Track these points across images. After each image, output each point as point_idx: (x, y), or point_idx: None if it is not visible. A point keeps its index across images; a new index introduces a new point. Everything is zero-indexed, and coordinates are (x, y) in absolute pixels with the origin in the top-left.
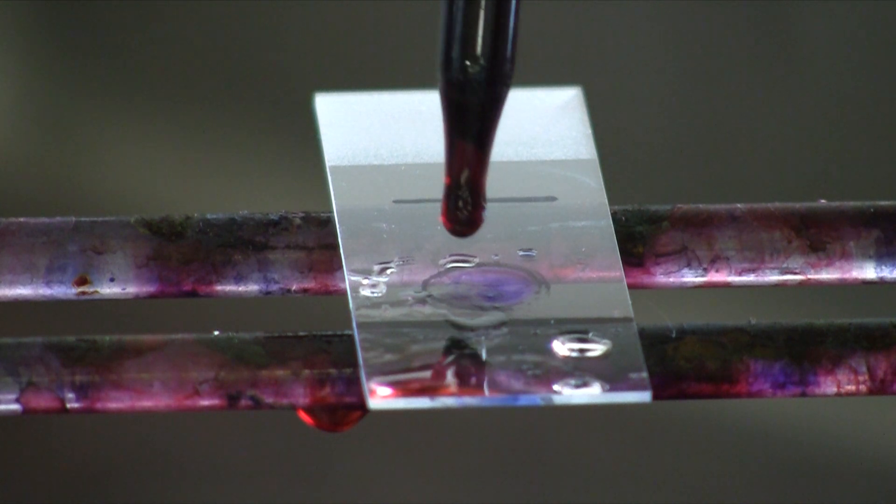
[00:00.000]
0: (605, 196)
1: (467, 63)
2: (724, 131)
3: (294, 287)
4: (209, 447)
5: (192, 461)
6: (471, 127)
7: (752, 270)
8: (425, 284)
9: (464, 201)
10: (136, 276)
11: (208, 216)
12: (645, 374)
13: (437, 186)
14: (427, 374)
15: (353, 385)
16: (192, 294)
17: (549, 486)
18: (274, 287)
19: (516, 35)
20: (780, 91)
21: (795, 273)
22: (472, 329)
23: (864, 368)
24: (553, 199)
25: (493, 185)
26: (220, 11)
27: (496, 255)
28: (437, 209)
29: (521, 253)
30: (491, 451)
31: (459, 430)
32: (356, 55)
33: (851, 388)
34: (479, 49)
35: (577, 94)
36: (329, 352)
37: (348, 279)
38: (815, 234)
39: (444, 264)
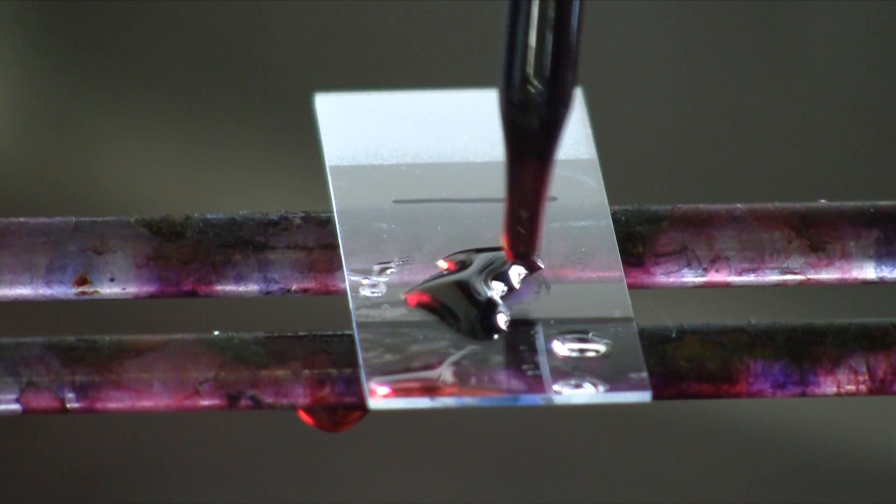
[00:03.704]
0: (605, 196)
1: (528, 84)
2: (724, 131)
3: (294, 287)
4: (209, 447)
5: (192, 461)
6: (531, 149)
7: (752, 270)
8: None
9: (524, 226)
10: (136, 276)
11: (208, 216)
12: (645, 374)
13: (437, 186)
14: (427, 374)
15: (353, 385)
16: (192, 294)
17: (549, 486)
18: (274, 287)
19: (577, 57)
20: (780, 91)
21: (795, 273)
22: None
23: (864, 368)
24: (553, 199)
25: (494, 185)
26: (220, 12)
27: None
28: (437, 209)
29: None
30: (491, 451)
31: (459, 431)
32: (356, 55)
33: (851, 388)
34: (540, 71)
35: (577, 94)
36: (329, 352)
37: (348, 279)
38: (815, 234)
39: None
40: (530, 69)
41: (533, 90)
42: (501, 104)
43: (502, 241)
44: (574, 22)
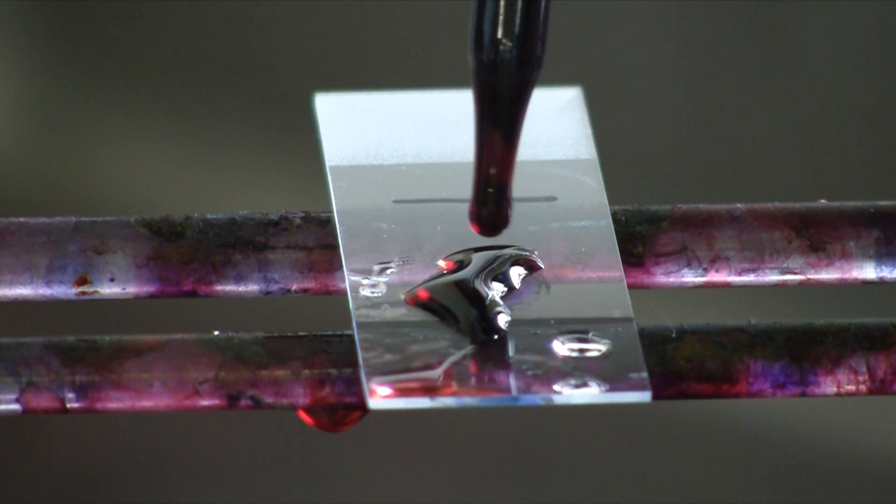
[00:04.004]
0: (605, 196)
1: (498, 44)
2: (724, 131)
3: (294, 287)
4: (209, 447)
5: (192, 461)
6: (501, 113)
7: (752, 270)
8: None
9: (491, 197)
10: (136, 276)
11: (208, 216)
12: (645, 374)
13: (437, 186)
14: (427, 374)
15: (353, 385)
16: (192, 294)
17: (549, 486)
18: (274, 287)
19: (547, 18)
20: (780, 91)
21: (795, 273)
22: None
23: (864, 368)
24: (553, 199)
25: None
26: (220, 12)
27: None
28: (437, 209)
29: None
30: (491, 451)
31: (459, 430)
32: (356, 55)
33: (851, 388)
34: (510, 30)
35: (577, 94)
36: (329, 352)
37: (348, 279)
38: (815, 234)
39: None
40: (500, 29)
41: (503, 49)
42: (471, 65)
43: (470, 215)
44: None
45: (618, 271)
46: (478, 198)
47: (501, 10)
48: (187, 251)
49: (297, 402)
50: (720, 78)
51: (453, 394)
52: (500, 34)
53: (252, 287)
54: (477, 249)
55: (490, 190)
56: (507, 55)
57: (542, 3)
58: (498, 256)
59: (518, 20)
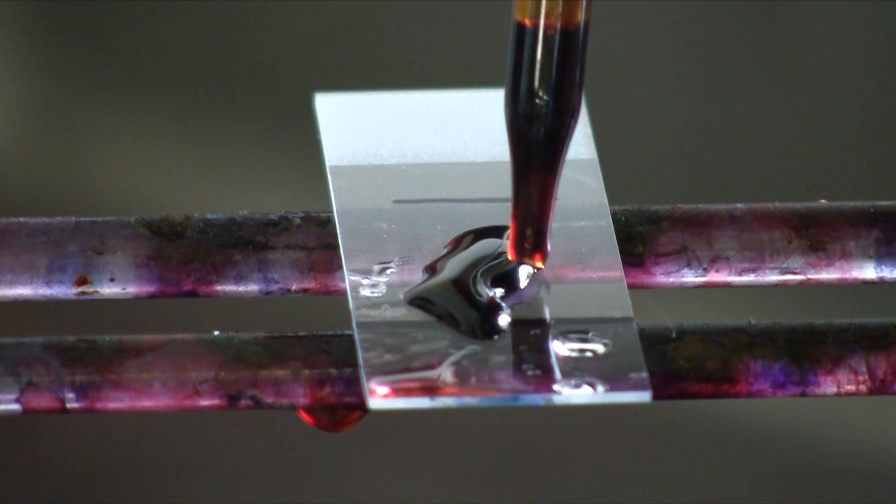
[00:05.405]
0: (605, 196)
1: (535, 97)
2: (724, 131)
3: (294, 287)
4: (209, 447)
5: (192, 461)
6: (537, 161)
7: (752, 270)
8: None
9: (530, 240)
10: (136, 276)
11: (208, 216)
12: (645, 374)
13: (437, 186)
14: (427, 374)
15: (353, 385)
16: (192, 294)
17: (550, 486)
18: (274, 287)
19: (583, 69)
20: (781, 91)
21: (795, 273)
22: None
23: (864, 368)
24: None
25: (494, 185)
26: (220, 12)
27: None
28: (437, 209)
29: None
30: (491, 451)
31: (459, 430)
32: (356, 55)
33: (851, 388)
34: (546, 83)
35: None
36: (329, 352)
37: (348, 279)
38: (815, 234)
39: None
40: (537, 82)
41: (539, 102)
42: (507, 115)
43: (508, 251)
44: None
45: (618, 271)
46: (517, 246)
47: (538, 64)
48: (187, 251)
49: (297, 402)
50: (720, 78)
51: (453, 394)
52: (536, 86)
53: (252, 287)
54: (478, 231)
55: (527, 246)
56: (544, 109)
57: (579, 55)
58: (498, 254)
59: (554, 73)
